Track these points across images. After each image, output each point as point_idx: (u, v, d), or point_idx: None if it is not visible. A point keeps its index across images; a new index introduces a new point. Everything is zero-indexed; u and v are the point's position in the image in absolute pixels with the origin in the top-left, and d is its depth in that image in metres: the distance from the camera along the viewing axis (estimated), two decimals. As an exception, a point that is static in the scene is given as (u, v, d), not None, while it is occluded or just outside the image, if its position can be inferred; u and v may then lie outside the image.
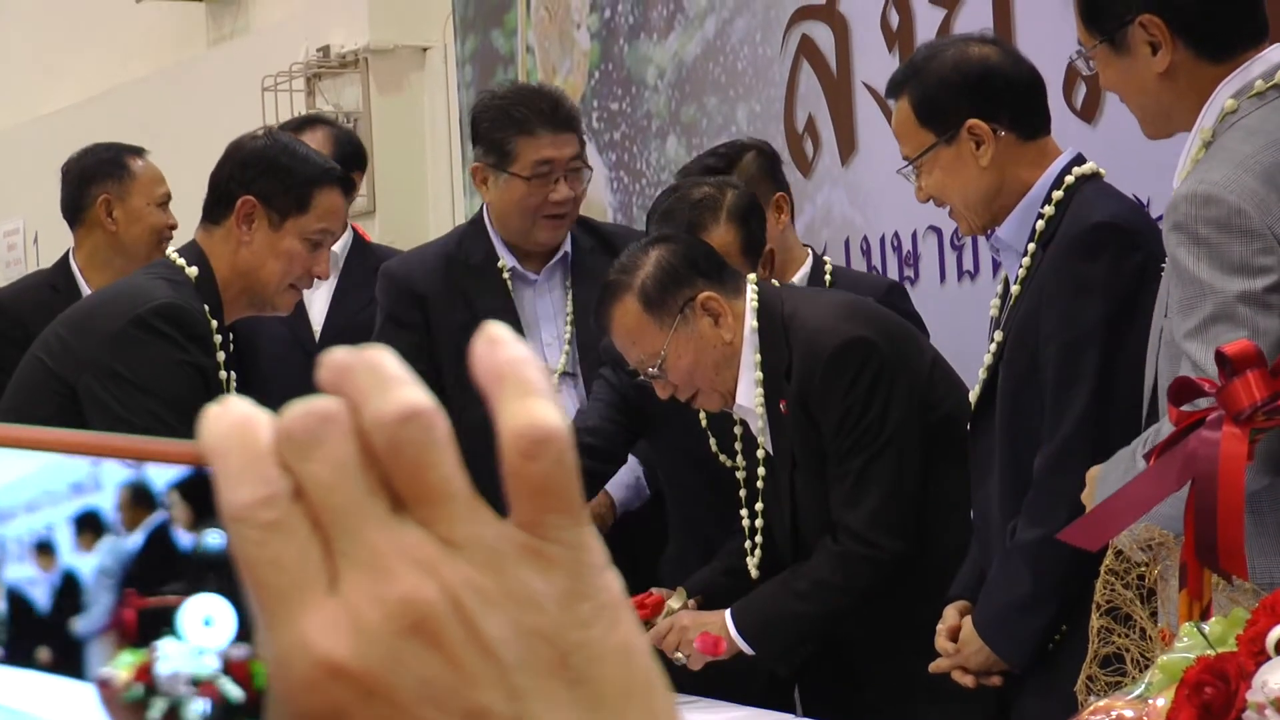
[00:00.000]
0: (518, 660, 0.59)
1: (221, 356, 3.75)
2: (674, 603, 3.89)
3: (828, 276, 4.37)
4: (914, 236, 5.10)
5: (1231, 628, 2.08)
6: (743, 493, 3.92)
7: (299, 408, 0.60)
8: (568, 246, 4.47)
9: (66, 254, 5.28)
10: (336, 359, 0.61)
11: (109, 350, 3.65)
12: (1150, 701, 2.12)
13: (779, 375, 3.73)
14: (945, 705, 3.54)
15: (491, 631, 0.59)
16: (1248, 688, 1.89)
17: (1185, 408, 2.39)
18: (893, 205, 5.05)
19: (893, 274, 5.12)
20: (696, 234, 3.99)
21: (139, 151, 5.32)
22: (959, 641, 3.48)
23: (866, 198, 5.24)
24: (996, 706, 3.53)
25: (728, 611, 3.77)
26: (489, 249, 4.44)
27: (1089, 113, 4.59)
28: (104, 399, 3.64)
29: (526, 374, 0.61)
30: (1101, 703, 2.21)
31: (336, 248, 4.98)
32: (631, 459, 4.35)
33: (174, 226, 5.19)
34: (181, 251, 3.84)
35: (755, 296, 3.78)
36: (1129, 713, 2.15)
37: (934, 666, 3.51)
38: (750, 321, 3.76)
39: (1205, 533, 2.23)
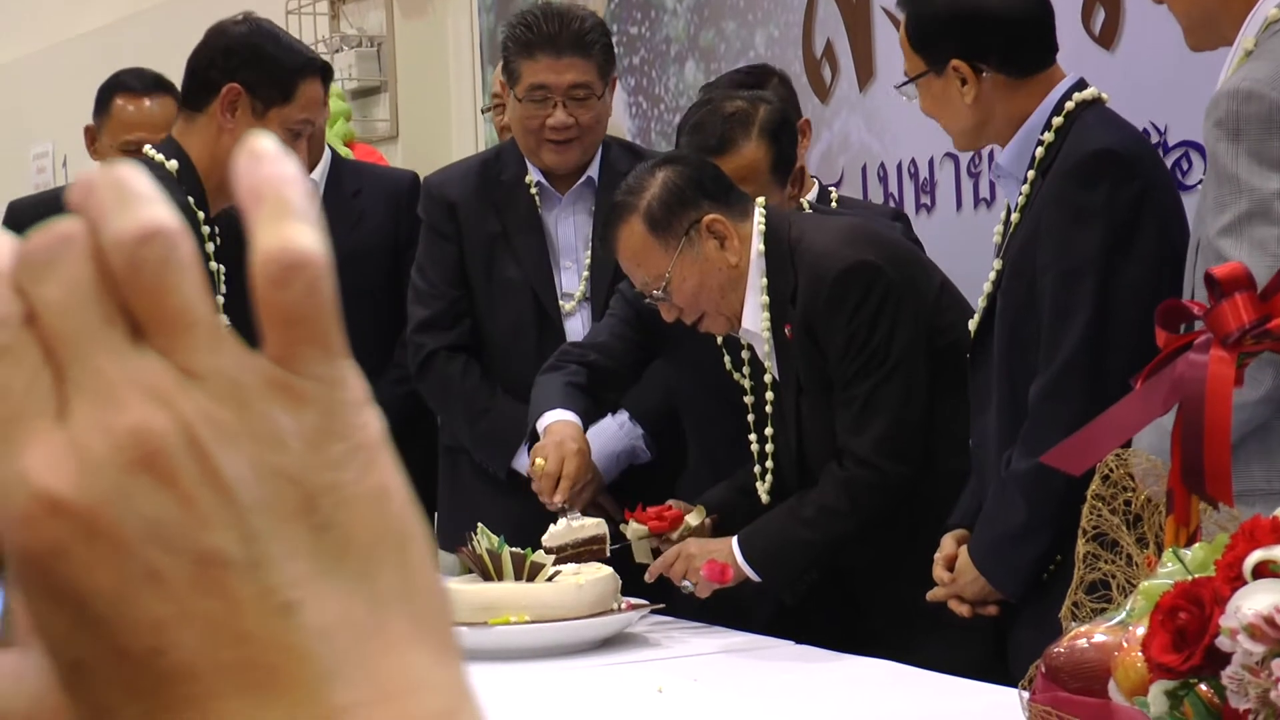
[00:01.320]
0: (256, 501, 0.54)
1: (210, 248, 3.73)
2: (692, 519, 3.86)
3: (834, 205, 4.33)
4: (930, 163, 5.05)
5: (1214, 554, 2.04)
6: (751, 417, 3.90)
7: (42, 229, 0.56)
8: (594, 171, 4.44)
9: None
10: (87, 176, 0.56)
11: None
12: (1131, 628, 2.09)
13: (785, 299, 3.70)
14: (944, 634, 3.50)
15: (228, 469, 0.54)
16: (1221, 613, 1.86)
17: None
18: (910, 132, 5.00)
19: (909, 201, 5.07)
20: (727, 148, 3.99)
21: (141, 90, 5.16)
22: (955, 571, 3.45)
23: (884, 124, 5.18)
24: (994, 636, 3.50)
25: (734, 539, 3.74)
26: (520, 164, 4.44)
27: (1107, 39, 4.53)
28: None
29: (287, 193, 0.56)
30: (1083, 628, 2.18)
31: (315, 174, 4.92)
32: (628, 423, 4.30)
33: None
34: (159, 147, 3.82)
35: (763, 219, 3.75)
36: (1107, 638, 2.12)
37: (930, 596, 3.48)
38: (757, 245, 3.73)
39: (1191, 457, 2.19)
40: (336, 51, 7.50)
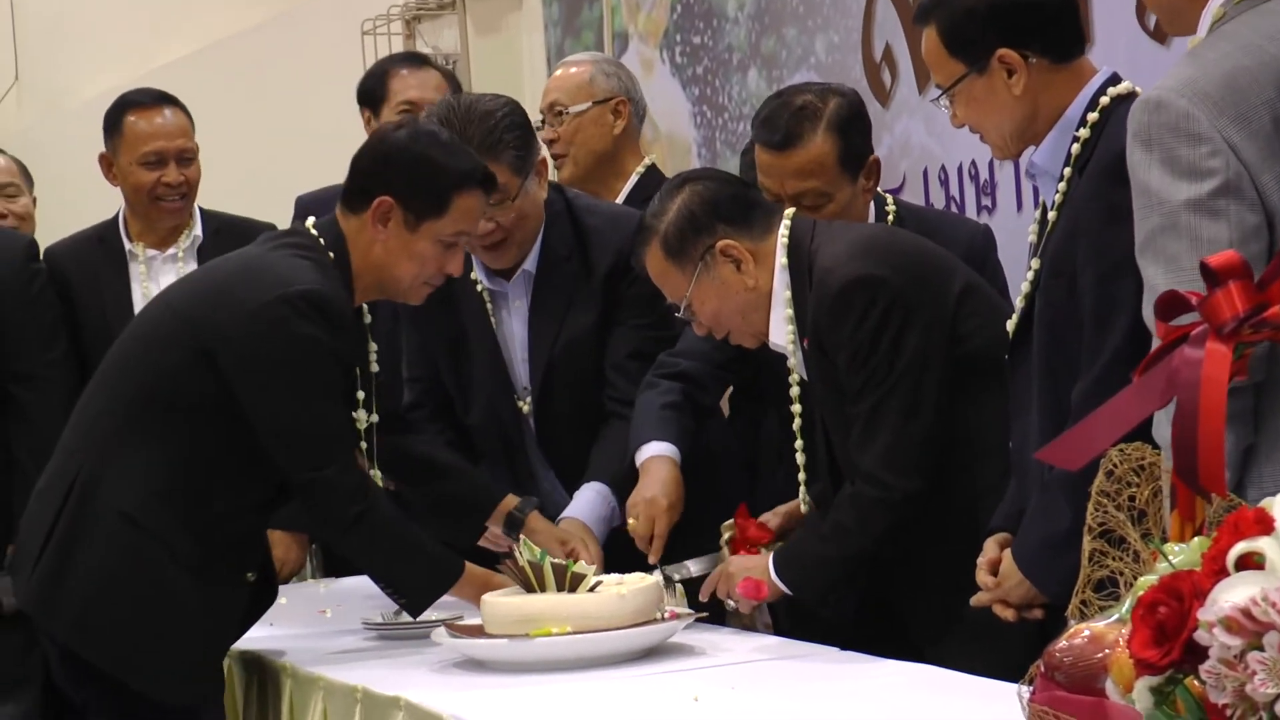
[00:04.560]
0: None
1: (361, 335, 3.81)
2: None
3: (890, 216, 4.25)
4: (991, 165, 5.01)
5: (1204, 549, 2.00)
6: (795, 425, 3.89)
7: None
8: (530, 266, 4.31)
9: (121, 208, 5.21)
10: None
11: (252, 324, 3.63)
12: (1126, 625, 2.05)
13: (806, 312, 3.69)
14: (987, 641, 3.46)
15: None
16: (1201, 606, 1.82)
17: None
18: (969, 134, 4.92)
19: (970, 203, 5.03)
20: (793, 143, 3.98)
21: (150, 103, 5.12)
22: (999, 575, 3.40)
23: (944, 127, 5.11)
24: (1039, 640, 3.44)
25: (772, 555, 3.76)
26: (468, 257, 4.27)
27: (1162, 35, 4.46)
28: (242, 373, 3.63)
29: None
30: (1081, 625, 2.14)
31: None
32: (606, 490, 4.21)
33: (169, 184, 5.03)
34: (321, 229, 3.78)
35: (786, 232, 3.74)
36: (1103, 635, 2.08)
37: (975, 601, 3.43)
38: (780, 258, 3.74)
39: (1187, 451, 2.15)
40: (412, 71, 7.52)
